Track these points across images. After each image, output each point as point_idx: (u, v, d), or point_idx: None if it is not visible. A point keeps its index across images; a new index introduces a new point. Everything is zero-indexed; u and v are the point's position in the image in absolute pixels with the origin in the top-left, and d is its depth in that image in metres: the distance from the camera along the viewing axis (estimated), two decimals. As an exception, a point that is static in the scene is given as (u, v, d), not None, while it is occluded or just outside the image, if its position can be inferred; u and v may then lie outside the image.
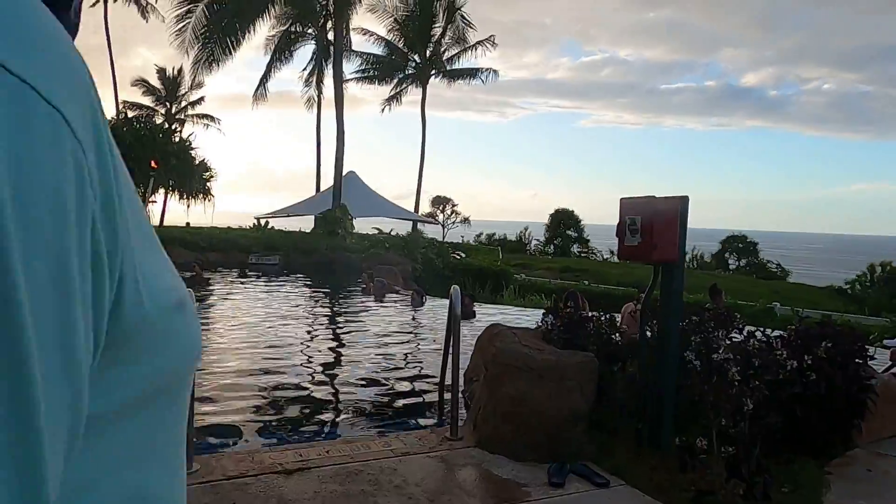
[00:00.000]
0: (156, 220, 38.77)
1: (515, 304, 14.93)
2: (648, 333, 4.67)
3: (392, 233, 26.44)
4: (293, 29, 27.71)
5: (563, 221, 57.92)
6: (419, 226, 38.09)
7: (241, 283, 15.57)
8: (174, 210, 36.47)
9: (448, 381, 5.21)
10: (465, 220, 67.17)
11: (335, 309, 13.02)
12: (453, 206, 66.49)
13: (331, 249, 19.33)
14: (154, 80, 46.74)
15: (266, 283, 15.64)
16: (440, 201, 64.79)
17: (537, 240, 60.30)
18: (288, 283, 15.66)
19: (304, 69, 32.53)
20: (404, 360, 7.87)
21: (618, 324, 5.51)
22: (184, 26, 20.35)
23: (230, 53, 21.29)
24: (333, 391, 6.43)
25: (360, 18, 29.80)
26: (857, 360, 4.25)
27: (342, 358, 8.17)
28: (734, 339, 4.75)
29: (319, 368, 7.47)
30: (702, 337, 4.45)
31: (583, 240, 57.48)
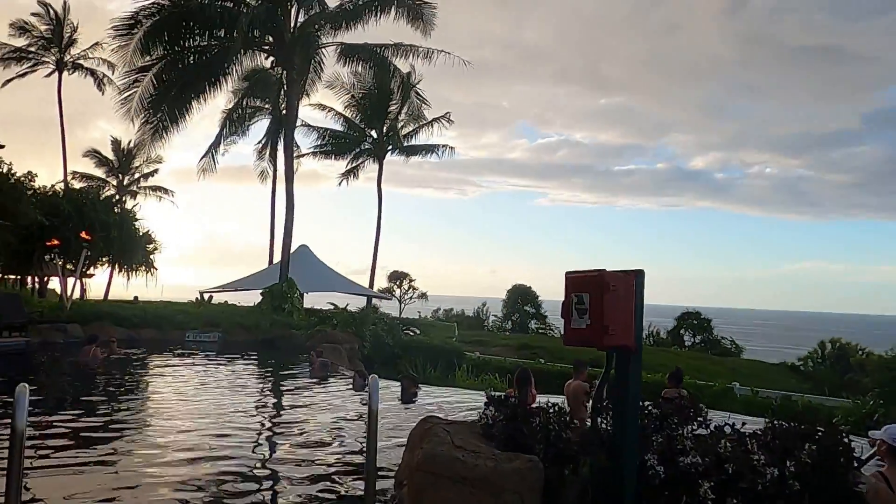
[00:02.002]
0: (98, 294, 37.07)
1: (468, 385, 14.10)
2: (602, 426, 4.01)
3: (347, 308, 25.54)
4: (247, 103, 27.49)
5: (521, 297, 57.71)
6: (375, 301, 37.26)
7: (173, 362, 14.38)
8: (123, 284, 34.92)
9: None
10: (423, 296, 66.44)
11: (272, 389, 11.98)
12: (410, 281, 65.84)
13: (275, 326, 18.32)
14: (108, 152, 45.82)
15: (200, 361, 14.48)
16: (397, 276, 64.08)
17: (495, 315, 59.78)
18: (224, 362, 14.54)
19: (259, 142, 32.27)
20: (335, 451, 6.95)
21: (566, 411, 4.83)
22: (130, 95, 19.80)
23: (177, 124, 20.74)
24: (251, 485, 5.50)
25: (318, 94, 29.89)
26: (841, 461, 3.64)
27: (269, 444, 7.20)
28: (700, 435, 4.11)
29: (240, 455, 6.48)
30: (664, 436, 3.80)
31: (540, 315, 57.18)
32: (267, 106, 31.59)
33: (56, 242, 19.30)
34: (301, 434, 7.95)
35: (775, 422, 3.78)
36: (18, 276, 28.42)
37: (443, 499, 3.40)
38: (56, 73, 41.76)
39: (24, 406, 2.74)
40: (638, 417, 3.65)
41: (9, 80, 40.44)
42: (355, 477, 5.78)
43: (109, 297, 33.56)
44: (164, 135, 20.59)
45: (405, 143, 38.42)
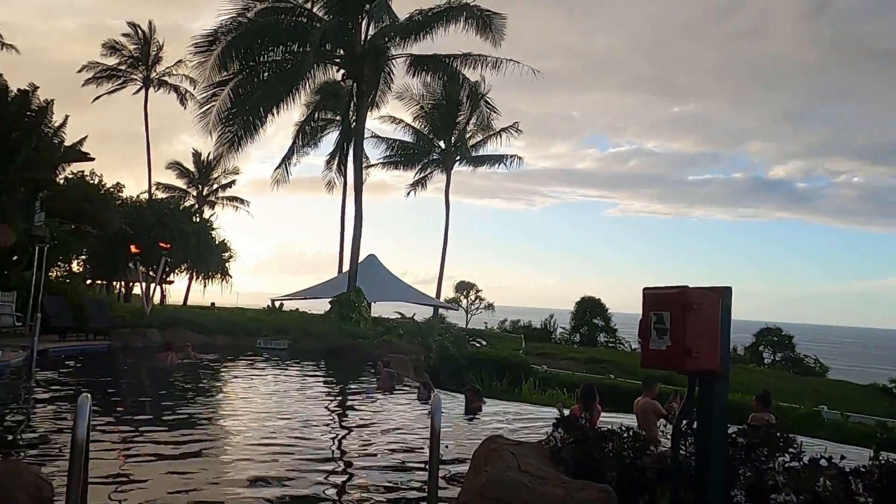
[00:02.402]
0: (178, 300, 38.73)
1: (534, 400, 13.75)
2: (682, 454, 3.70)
3: (414, 317, 25.60)
4: (318, 115, 28.13)
5: (590, 309, 56.47)
6: (442, 311, 37.30)
7: (244, 368, 14.70)
8: (201, 290, 36.35)
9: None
10: (489, 307, 66.14)
11: (338, 398, 12.03)
12: (477, 291, 65.76)
13: (342, 335, 18.49)
14: (189, 164, 47.83)
15: (271, 368, 14.75)
16: (464, 287, 64.13)
17: (563, 328, 58.74)
18: (293, 369, 14.75)
19: (329, 154, 32.94)
20: (398, 465, 6.83)
21: (641, 436, 4.52)
22: (208, 108, 20.61)
23: (252, 136, 21.40)
24: (314, 491, 5.44)
25: (388, 106, 30.37)
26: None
27: (332, 453, 7.15)
28: (793, 468, 3.73)
29: (304, 463, 6.46)
30: (752, 468, 3.46)
31: (610, 329, 55.76)
32: (338, 118, 32.28)
33: (137, 250, 20.21)
34: (365, 446, 7.88)
35: (882, 457, 3.38)
36: (105, 282, 29.94)
37: (508, 528, 3.20)
38: (143, 90, 44.16)
39: (86, 415, 2.72)
40: (724, 448, 3.34)
41: (98, 97, 42.99)
42: (418, 495, 5.62)
43: (188, 303, 34.99)
44: (240, 146, 21.29)
45: (473, 154, 38.44)
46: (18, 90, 19.67)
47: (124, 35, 43.49)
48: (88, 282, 29.32)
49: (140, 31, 43.64)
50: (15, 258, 19.16)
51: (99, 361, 14.10)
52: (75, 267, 28.82)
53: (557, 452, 4.26)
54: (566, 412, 7.39)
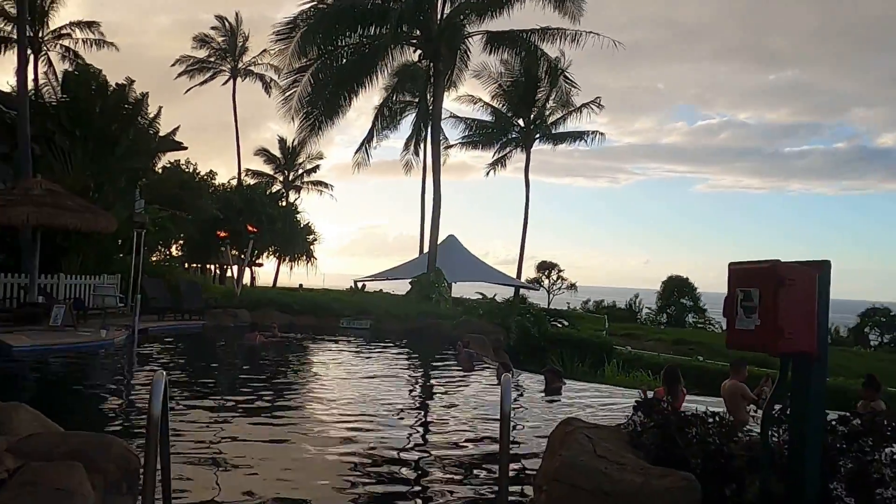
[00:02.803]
0: (267, 282, 40.37)
1: (617, 382, 13.39)
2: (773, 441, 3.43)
3: (495, 297, 25.55)
4: (397, 98, 28.30)
5: (678, 289, 54.67)
6: (523, 291, 37.02)
7: (327, 347, 15.11)
8: (289, 273, 37.76)
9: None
10: (572, 286, 65.15)
11: (417, 378, 12.15)
12: (559, 271, 64.86)
13: (423, 315, 18.66)
14: (276, 150, 49.46)
15: (353, 347, 15.10)
16: (545, 266, 63.37)
17: (649, 308, 57.14)
18: (374, 348, 15.03)
19: (408, 136, 33.12)
20: (474, 446, 6.78)
21: (728, 421, 4.24)
22: (290, 95, 21.14)
23: (332, 120, 21.79)
24: (380, 474, 5.49)
25: (465, 85, 30.14)
26: None
27: (410, 433, 7.20)
28: (902, 461, 3.39)
29: (380, 442, 6.57)
30: (855, 459, 3.16)
31: (699, 309, 53.78)
32: (416, 100, 32.39)
33: (225, 234, 21.09)
34: (442, 425, 7.90)
35: None
36: (199, 265, 31.50)
37: (582, 515, 3.06)
38: (231, 80, 45.92)
39: (160, 392, 2.79)
40: (821, 436, 3.06)
41: (189, 89, 45.07)
42: (490, 474, 5.55)
43: (278, 285, 36.39)
44: (321, 131, 21.77)
45: (553, 131, 37.68)
46: (116, 84, 20.84)
47: (213, 28, 45.29)
48: (186, 265, 30.96)
49: (227, 24, 45.30)
50: (120, 243, 20.45)
51: (193, 340, 14.87)
52: (174, 251, 30.54)
53: (637, 437, 4.07)
54: (650, 395, 7.13)
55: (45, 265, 17.21)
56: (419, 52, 22.55)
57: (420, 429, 7.72)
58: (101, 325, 13.72)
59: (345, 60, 21.20)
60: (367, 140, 26.29)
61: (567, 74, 30.87)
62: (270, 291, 24.37)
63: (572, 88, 30.43)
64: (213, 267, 35.78)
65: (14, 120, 17.53)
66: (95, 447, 3.65)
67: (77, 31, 39.15)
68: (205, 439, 6.30)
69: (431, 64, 22.68)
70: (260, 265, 36.46)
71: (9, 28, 33.41)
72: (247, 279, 29.23)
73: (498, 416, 8.04)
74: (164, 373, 2.96)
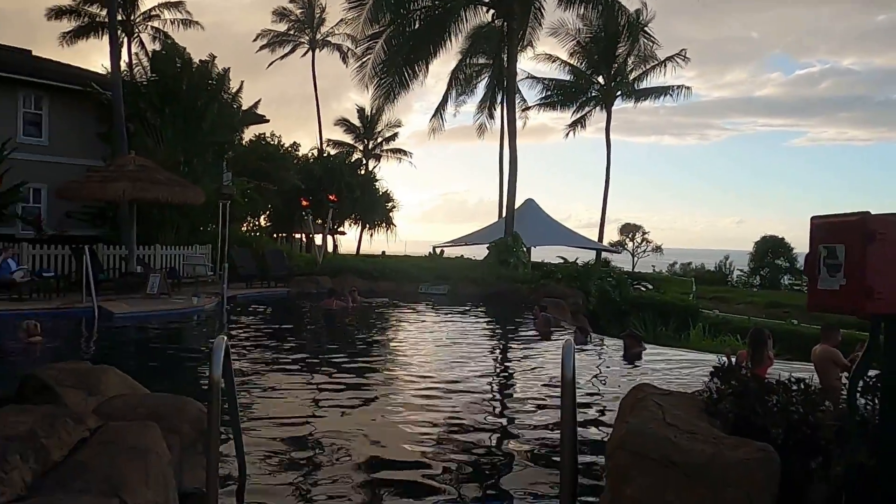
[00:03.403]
0: (350, 249, 41.41)
1: (703, 347, 12.87)
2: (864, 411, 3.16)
3: (577, 261, 25.14)
4: (471, 61, 27.86)
5: (772, 250, 51.84)
6: (605, 255, 36.21)
7: (406, 312, 15.33)
8: (370, 240, 38.58)
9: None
10: (657, 249, 63.17)
11: (495, 343, 12.16)
12: (644, 233, 62.97)
13: (501, 280, 18.58)
14: (355, 120, 50.13)
15: (431, 312, 15.26)
16: (629, 229, 61.66)
17: (740, 270, 54.60)
18: (452, 313, 15.12)
19: (482, 98, 32.66)
20: (548, 413, 6.69)
21: (814, 389, 3.95)
22: (363, 62, 21.23)
23: (407, 87, 21.75)
24: (459, 440, 5.52)
25: (541, 44, 29.28)
26: None
27: (487, 397, 7.20)
28: None
29: (458, 406, 6.64)
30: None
31: (795, 270, 50.85)
32: (491, 62, 31.82)
33: (306, 203, 21.64)
34: (519, 390, 7.86)
35: None
36: (284, 234, 32.57)
37: (648, 485, 2.92)
38: (310, 52, 46.68)
39: (220, 358, 2.85)
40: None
41: (271, 63, 46.21)
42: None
43: (361, 252, 37.26)
44: (396, 97, 21.78)
45: (635, 88, 36.16)
46: (200, 61, 21.60)
47: (291, 1, 45.97)
48: (274, 235, 32.13)
49: (305, -4, 45.86)
50: (210, 215, 21.44)
51: (278, 306, 15.44)
52: (262, 222, 31.73)
53: (713, 405, 3.85)
54: (733, 359, 6.77)
55: (143, 237, 18.29)
56: (492, 11, 22.01)
57: (497, 394, 7.71)
58: (192, 292, 14.47)
59: (417, 25, 21.02)
60: (442, 105, 26.19)
61: (647, 30, 29.45)
62: (351, 259, 24.96)
63: (653, 44, 29.00)
64: (300, 236, 36.99)
65: (110, 101, 18.52)
66: (172, 408, 3.82)
67: (165, 11, 40.81)
68: (286, 402, 6.55)
69: (505, 23, 22.12)
70: (342, 233, 37.36)
71: (104, 13, 35.20)
72: (329, 247, 30.02)
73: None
74: (225, 338, 3.03)
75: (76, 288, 13.33)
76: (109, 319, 11.44)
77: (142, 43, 38.44)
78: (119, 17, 39.30)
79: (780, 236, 52.66)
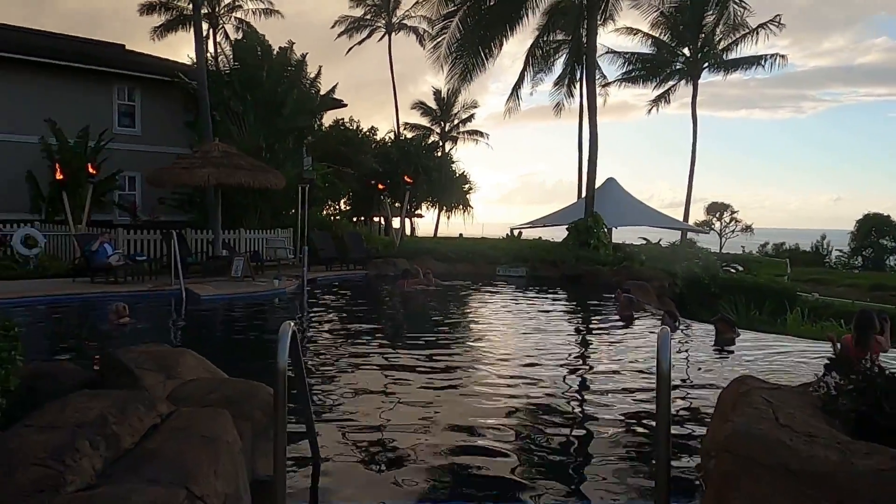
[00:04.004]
0: (428, 231, 41.58)
1: (801, 333, 11.98)
2: None
3: (660, 242, 24.19)
4: (549, 37, 27.08)
5: (876, 228, 48.22)
6: (691, 235, 34.71)
7: (482, 295, 15.12)
8: (446, 222, 38.62)
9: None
10: (747, 229, 60.12)
11: (574, 326, 11.76)
12: (732, 212, 60.03)
13: (580, 261, 18.04)
14: (431, 102, 50.05)
15: (508, 294, 14.98)
16: (716, 208, 58.93)
17: (839, 250, 51.14)
18: (530, 296, 14.78)
19: (559, 75, 31.77)
20: (632, 402, 6.30)
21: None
22: (438, 42, 20.99)
23: (483, 66, 21.36)
24: (552, 419, 5.27)
25: (623, 17, 28.05)
26: None
27: (567, 383, 6.89)
28: None
29: (541, 391, 6.41)
30: None
31: (903, 250, 47.12)
32: (570, 38, 30.86)
33: (382, 186, 21.71)
34: (602, 378, 7.49)
35: None
36: (363, 217, 32.96)
37: (760, 496, 2.56)
38: (386, 36, 46.82)
39: (286, 346, 2.70)
40: None
41: (350, 49, 46.68)
42: (649, 434, 5.08)
43: (438, 235, 37.32)
44: (471, 77, 21.43)
45: (724, 58, 34.20)
46: (279, 48, 21.99)
47: (367, -15, 46.13)
48: (355, 219, 32.58)
49: (379, -22, 45.92)
50: (292, 199, 21.92)
51: (356, 288, 15.57)
52: (343, 206, 32.22)
53: (831, 403, 3.41)
54: (838, 346, 6.13)
55: (228, 222, 18.91)
56: (571, -18, 21.24)
57: (577, 383, 7.36)
58: (274, 275, 14.79)
59: (492, 2, 20.55)
60: (518, 84, 25.61)
61: (737, -6, 27.69)
62: (428, 241, 24.97)
63: (745, 11, 27.22)
64: (378, 219, 37.45)
65: (196, 90, 19.13)
66: (244, 394, 3.74)
67: (248, 2, 41.97)
68: (361, 385, 6.48)
69: (584, -5, 21.30)
70: (420, 216, 37.50)
71: (191, 7, 36.58)
72: (407, 230, 30.20)
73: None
74: (292, 324, 2.88)
75: (167, 271, 13.87)
76: (196, 302, 11.82)
77: (226, 33, 39.60)
78: (204, 10, 40.89)
79: (885, 214, 48.88)
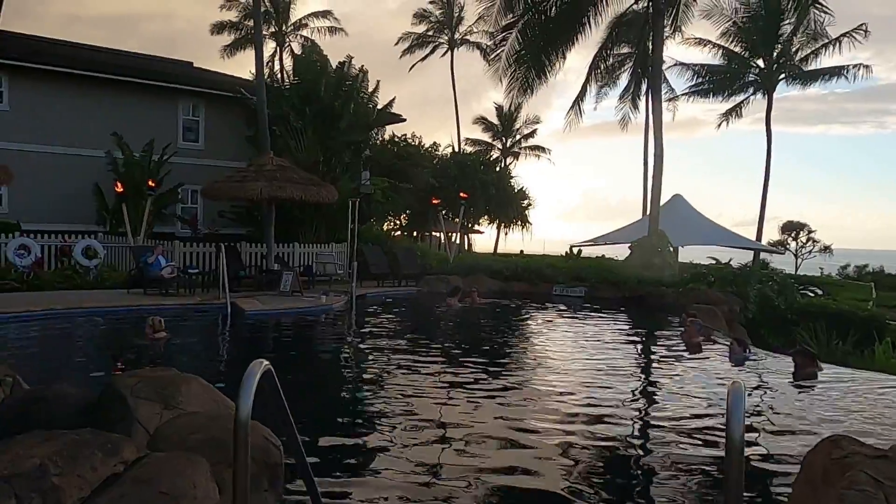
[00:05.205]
0: (488, 248, 41.04)
1: (893, 367, 10.73)
2: None
3: (730, 263, 22.86)
4: (611, 51, 26.21)
5: (971, 251, 44.57)
6: (764, 255, 32.85)
7: (534, 314, 14.40)
8: (504, 239, 37.95)
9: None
10: (826, 249, 56.67)
11: (636, 351, 10.92)
12: (809, 232, 56.74)
13: (643, 282, 17.05)
14: (493, 118, 49.68)
15: (563, 316, 14.20)
16: (792, 227, 55.79)
17: (930, 274, 47.46)
18: (588, 317, 13.96)
19: (624, 88, 30.78)
20: (698, 443, 5.52)
21: None
22: (497, 55, 20.52)
23: (544, 77, 20.71)
24: (611, 451, 4.60)
25: (693, 27, 26.86)
26: None
27: (629, 413, 6.17)
28: None
29: (601, 418, 5.79)
30: None
31: None
32: (635, 50, 29.86)
33: (437, 201, 21.31)
34: (666, 412, 6.71)
35: None
36: (420, 233, 32.74)
37: None
38: (449, 52, 46.83)
39: (251, 389, 2.18)
40: None
41: (413, 65, 46.94)
42: (716, 474, 4.33)
43: (498, 251, 36.68)
44: (531, 90, 20.81)
45: (802, 69, 32.36)
46: (339, 63, 22.03)
47: (431, 2, 46.42)
48: (414, 233, 32.35)
49: (444, -4, 46.11)
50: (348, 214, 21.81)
51: (406, 305, 15.10)
52: (402, 220, 32.09)
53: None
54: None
55: (284, 235, 18.88)
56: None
57: (641, 417, 6.62)
58: (322, 290, 14.52)
59: (553, 11, 19.91)
60: (580, 98, 24.77)
61: (820, 1, 26.10)
62: (484, 258, 24.37)
63: (826, 16, 25.59)
64: (440, 235, 37.18)
65: (256, 105, 19.29)
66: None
67: (314, 20, 42.89)
68: (413, 404, 6.20)
69: (650, 3, 20.39)
70: (479, 232, 36.95)
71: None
72: (465, 246, 29.70)
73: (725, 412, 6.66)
74: (265, 362, 2.37)
75: (218, 284, 13.81)
76: (241, 317, 11.61)
77: (292, 51, 40.56)
78: (272, 29, 42.11)
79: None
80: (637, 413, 6.79)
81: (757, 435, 5.91)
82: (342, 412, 6.27)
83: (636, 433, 5.99)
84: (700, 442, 5.52)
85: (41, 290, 13.43)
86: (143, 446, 3.18)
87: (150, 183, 17.18)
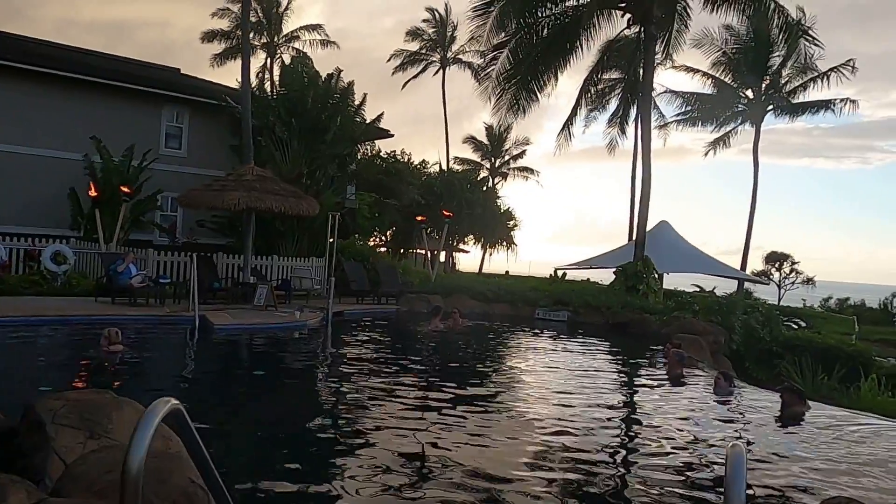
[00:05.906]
0: (472, 268, 40.65)
1: (881, 407, 10.43)
2: None
3: (714, 291, 22.67)
4: (601, 75, 26.21)
5: (951, 288, 44.89)
6: (748, 285, 32.83)
7: (513, 338, 14.04)
8: (488, 259, 37.62)
9: None
10: (809, 281, 56.92)
11: (617, 381, 10.57)
12: (793, 263, 57.02)
13: (627, 308, 16.76)
14: (483, 138, 49.57)
15: (543, 341, 13.84)
16: (776, 258, 56.04)
17: (910, 309, 47.65)
18: (569, 343, 13.62)
19: (613, 112, 30.81)
20: (682, 479, 5.15)
21: None
22: (487, 73, 20.35)
23: (534, 99, 20.56)
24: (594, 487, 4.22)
25: (683, 54, 26.88)
26: None
27: (608, 447, 5.79)
28: None
29: (581, 449, 5.35)
30: None
31: None
32: (625, 75, 29.93)
33: (421, 218, 21.00)
34: (646, 447, 6.36)
35: None
36: (402, 250, 32.26)
37: None
38: (441, 71, 46.77)
39: (147, 435, 1.80)
40: None
41: (406, 83, 46.81)
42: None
43: (483, 271, 36.31)
44: (522, 110, 20.63)
45: (790, 101, 32.61)
46: (326, 75, 21.75)
47: (424, 21, 46.48)
48: (401, 250, 31.87)
49: (437, 15, 46.18)
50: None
51: (384, 325, 14.65)
52: (388, 237, 31.63)
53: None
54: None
55: (264, 248, 18.42)
56: (628, 15, 20.31)
57: (619, 451, 6.24)
58: (297, 306, 14.06)
59: (546, 32, 19.80)
60: (570, 121, 24.67)
61: (812, 34, 26.27)
62: (466, 278, 24.02)
63: (816, 49, 25.75)
64: (425, 252, 36.73)
65: (240, 114, 18.93)
66: (151, 478, 2.84)
67: (305, 33, 42.77)
68: (382, 430, 5.73)
69: (642, 29, 20.35)
70: (464, 251, 36.60)
71: (253, 37, 37.54)
72: (449, 265, 29.34)
73: (713, 450, 6.26)
74: (171, 400, 1.98)
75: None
76: (209, 331, 11.12)
77: (283, 62, 40.33)
78: (263, 40, 41.93)
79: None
80: (619, 450, 6.41)
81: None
82: (297, 447, 5.63)
83: (618, 472, 5.62)
84: (680, 475, 5.15)
85: (4, 294, 12.89)
86: (55, 483, 2.78)
87: (123, 189, 16.70)
